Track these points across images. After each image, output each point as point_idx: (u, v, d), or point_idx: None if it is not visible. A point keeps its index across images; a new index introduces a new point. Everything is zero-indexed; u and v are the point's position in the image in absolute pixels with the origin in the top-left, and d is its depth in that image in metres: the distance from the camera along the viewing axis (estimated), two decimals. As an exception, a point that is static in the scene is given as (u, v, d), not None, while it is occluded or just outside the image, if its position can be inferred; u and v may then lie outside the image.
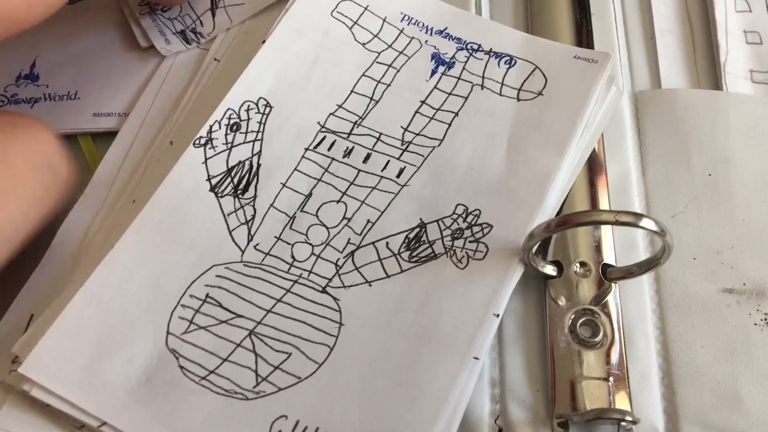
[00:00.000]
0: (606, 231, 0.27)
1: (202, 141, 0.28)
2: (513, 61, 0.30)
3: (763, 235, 0.27)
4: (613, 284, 0.26)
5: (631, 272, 0.25)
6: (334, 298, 0.25)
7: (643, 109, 0.31)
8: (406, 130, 0.29)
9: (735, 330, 0.25)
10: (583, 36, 0.32)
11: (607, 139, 0.29)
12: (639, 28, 0.34)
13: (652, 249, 0.27)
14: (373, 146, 0.28)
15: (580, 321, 0.25)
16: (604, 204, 0.28)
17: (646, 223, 0.23)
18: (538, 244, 0.25)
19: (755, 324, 0.25)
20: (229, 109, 0.28)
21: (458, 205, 0.27)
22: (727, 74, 0.31)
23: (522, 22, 0.33)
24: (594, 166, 0.28)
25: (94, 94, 0.32)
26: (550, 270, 0.26)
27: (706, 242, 0.27)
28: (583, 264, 0.26)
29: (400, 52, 0.30)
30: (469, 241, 0.26)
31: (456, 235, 0.26)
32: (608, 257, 0.26)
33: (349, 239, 0.26)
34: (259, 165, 0.28)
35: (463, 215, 0.27)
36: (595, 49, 0.32)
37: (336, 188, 0.28)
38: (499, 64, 0.30)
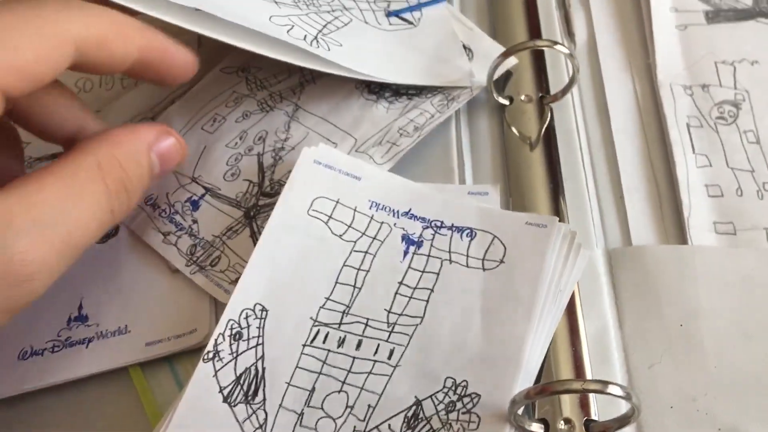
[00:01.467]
0: (586, 388, 0.30)
1: (210, 355, 0.31)
2: (473, 234, 0.34)
3: (734, 381, 0.29)
4: (596, 438, 0.29)
5: (609, 428, 0.28)
6: (349, 490, 0.28)
7: (617, 266, 0.33)
8: (389, 312, 0.32)
9: (712, 476, 0.27)
10: (557, 201, 0.35)
11: (584, 295, 0.32)
12: (609, 189, 0.37)
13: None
14: (363, 332, 0.32)
15: (570, 475, 0.28)
16: (584, 360, 0.31)
17: (612, 389, 0.26)
18: (522, 408, 0.28)
19: (730, 468, 0.27)
20: (230, 320, 0.32)
21: (447, 378, 0.30)
22: (691, 228, 0.34)
23: (503, 193, 0.36)
24: (572, 323, 0.31)
25: (143, 324, 0.34)
26: (537, 428, 0.29)
27: (682, 390, 0.29)
28: (567, 421, 0.29)
29: (374, 238, 0.34)
30: (462, 413, 0.29)
31: (449, 408, 0.29)
32: (592, 411, 0.29)
33: (355, 427, 0.29)
34: (264, 368, 0.31)
35: (453, 388, 0.29)
36: (568, 210, 0.35)
37: (336, 379, 0.30)
38: (461, 238, 0.34)
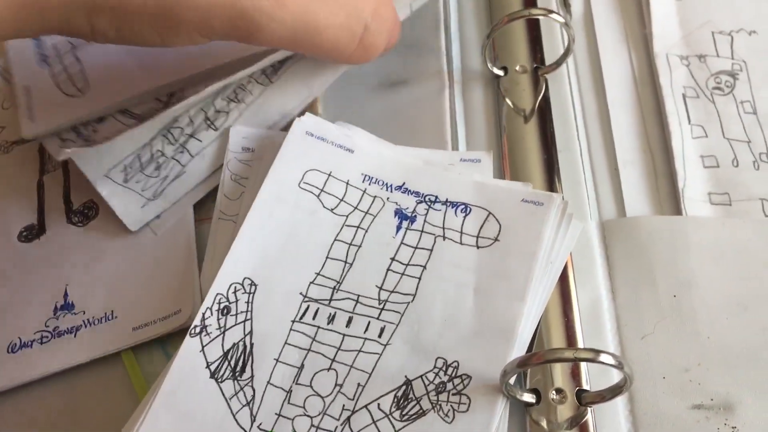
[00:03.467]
0: (579, 357, 0.29)
1: (197, 330, 0.30)
2: (468, 209, 0.33)
3: (727, 351, 0.29)
4: (588, 408, 0.28)
5: (601, 397, 0.28)
6: (338, 469, 0.27)
7: (610, 237, 0.33)
8: (381, 288, 0.31)
9: (706, 445, 0.27)
10: (552, 173, 0.35)
11: (578, 267, 0.32)
12: (603, 161, 0.36)
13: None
14: (354, 309, 0.31)
15: (561, 445, 0.28)
16: (576, 331, 0.30)
17: (604, 358, 0.25)
18: (514, 377, 0.28)
19: (724, 438, 0.27)
20: (218, 294, 0.31)
21: (438, 358, 0.29)
22: (686, 199, 0.33)
23: (496, 162, 0.36)
24: (565, 295, 0.31)
25: (129, 309, 0.33)
26: (528, 398, 0.29)
27: (675, 361, 0.29)
28: (559, 391, 0.29)
29: (366, 212, 0.33)
30: (452, 394, 0.28)
31: (440, 389, 0.28)
32: (584, 381, 0.29)
33: (344, 405, 0.29)
34: (252, 344, 0.30)
35: (444, 368, 0.29)
36: (563, 182, 0.35)
37: (325, 356, 0.30)
38: (456, 213, 0.33)
